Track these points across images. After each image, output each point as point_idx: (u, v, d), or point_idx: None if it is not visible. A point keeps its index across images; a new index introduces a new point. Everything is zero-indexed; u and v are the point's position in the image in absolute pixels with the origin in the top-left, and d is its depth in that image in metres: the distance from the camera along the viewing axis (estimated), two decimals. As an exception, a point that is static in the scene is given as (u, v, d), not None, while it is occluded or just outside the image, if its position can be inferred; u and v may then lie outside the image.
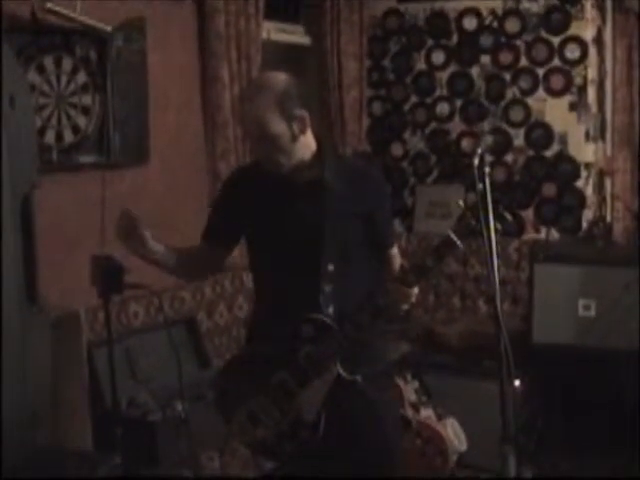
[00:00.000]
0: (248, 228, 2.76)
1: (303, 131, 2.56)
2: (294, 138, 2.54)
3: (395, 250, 2.79)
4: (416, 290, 2.52)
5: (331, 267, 2.56)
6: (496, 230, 2.20)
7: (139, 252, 2.64)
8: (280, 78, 2.55)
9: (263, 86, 2.55)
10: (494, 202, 2.21)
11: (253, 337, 2.81)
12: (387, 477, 2.70)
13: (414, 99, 5.65)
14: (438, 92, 5.57)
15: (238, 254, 4.04)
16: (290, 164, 2.57)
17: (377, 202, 2.69)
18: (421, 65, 5.60)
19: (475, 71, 5.43)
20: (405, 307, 2.55)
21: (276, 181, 2.61)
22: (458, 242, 2.38)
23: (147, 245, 2.62)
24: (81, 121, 3.69)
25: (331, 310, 2.54)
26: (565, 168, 5.22)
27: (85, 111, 3.70)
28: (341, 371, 2.53)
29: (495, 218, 2.21)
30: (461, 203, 2.38)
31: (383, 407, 2.70)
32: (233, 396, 2.68)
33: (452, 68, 5.51)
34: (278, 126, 2.50)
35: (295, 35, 5.31)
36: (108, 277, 2.66)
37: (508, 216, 2.26)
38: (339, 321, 2.52)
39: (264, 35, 4.71)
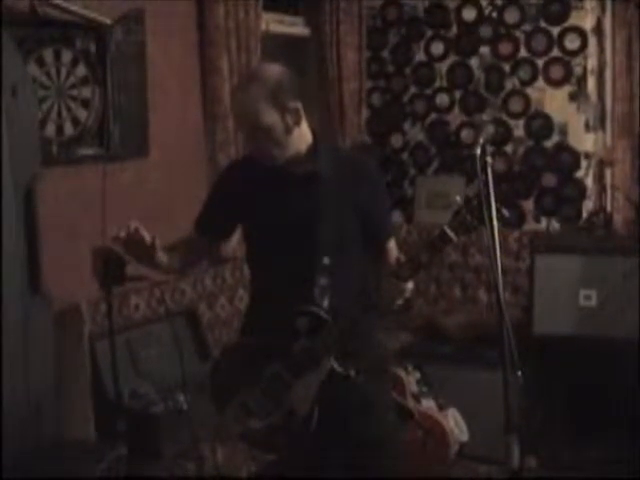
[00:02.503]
0: (243, 221, 2.76)
1: (297, 123, 2.55)
2: (288, 130, 2.53)
3: (392, 243, 2.77)
4: (410, 285, 2.48)
5: (326, 260, 2.54)
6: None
7: (146, 264, 2.65)
8: (274, 70, 2.55)
9: (256, 77, 2.54)
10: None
11: (248, 328, 2.81)
12: (383, 471, 2.68)
13: (413, 90, 5.64)
14: (437, 83, 5.56)
15: (237, 245, 4.07)
16: (284, 156, 2.56)
17: (373, 194, 2.67)
18: (420, 56, 5.59)
19: (474, 62, 5.42)
20: (399, 302, 2.52)
21: (272, 173, 2.60)
22: (454, 238, 2.35)
23: (155, 259, 2.62)
24: (81, 114, 3.69)
25: (326, 303, 2.53)
26: (565, 158, 5.22)
27: (85, 104, 3.70)
28: (335, 365, 2.51)
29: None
30: (458, 199, 2.36)
31: (377, 401, 2.69)
32: (226, 386, 2.67)
33: (451, 59, 5.50)
34: (271, 117, 2.49)
35: (294, 27, 5.30)
36: (109, 269, 2.65)
37: (506, 213, 2.25)
38: (334, 314, 2.50)
39: (263, 27, 4.70)
